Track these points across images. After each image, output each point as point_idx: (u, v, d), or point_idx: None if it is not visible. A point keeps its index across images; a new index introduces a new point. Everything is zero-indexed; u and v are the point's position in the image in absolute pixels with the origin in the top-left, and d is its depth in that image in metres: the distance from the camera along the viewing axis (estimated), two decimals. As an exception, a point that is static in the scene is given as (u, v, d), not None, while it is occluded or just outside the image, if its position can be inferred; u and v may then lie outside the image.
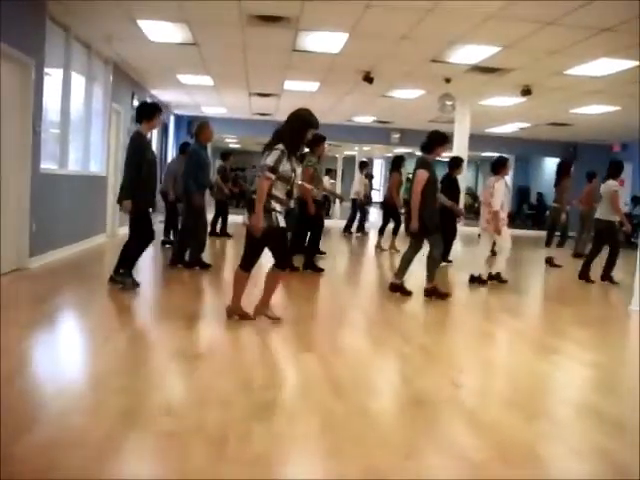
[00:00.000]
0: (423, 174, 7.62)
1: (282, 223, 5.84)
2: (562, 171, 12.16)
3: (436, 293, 7.95)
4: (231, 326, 6.04)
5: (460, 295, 8.61)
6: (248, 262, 6.08)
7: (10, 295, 6.89)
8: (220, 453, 3.18)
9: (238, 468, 3.07)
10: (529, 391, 4.69)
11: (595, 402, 4.50)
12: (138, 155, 7.20)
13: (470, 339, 6.33)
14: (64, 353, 5.12)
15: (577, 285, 10.03)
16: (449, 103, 12.61)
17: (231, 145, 32.35)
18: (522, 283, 10.20)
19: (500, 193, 8.92)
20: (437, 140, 7.82)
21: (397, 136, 21.19)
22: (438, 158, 7.93)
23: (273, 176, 5.72)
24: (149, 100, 16.39)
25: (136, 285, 7.39)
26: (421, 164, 7.77)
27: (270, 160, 5.72)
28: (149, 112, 7.42)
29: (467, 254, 12.11)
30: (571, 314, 7.89)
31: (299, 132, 5.91)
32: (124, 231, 13.80)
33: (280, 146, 5.79)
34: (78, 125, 10.78)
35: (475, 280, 9.26)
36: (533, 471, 3.27)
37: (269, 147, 5.86)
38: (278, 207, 5.81)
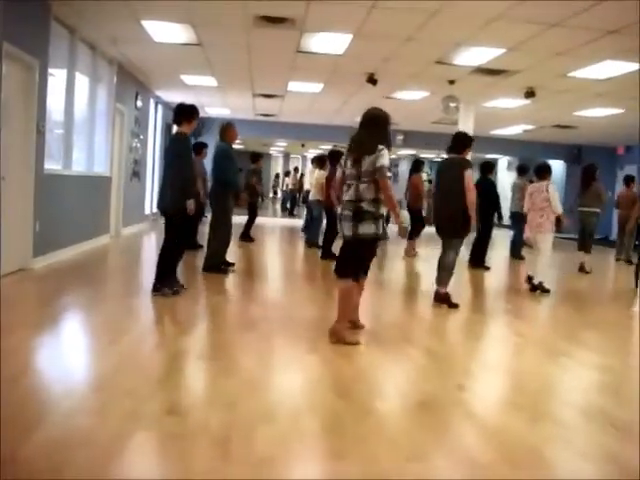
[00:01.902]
0: (471, 174, 7.57)
1: (381, 230, 5.79)
2: (589, 175, 12.09)
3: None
4: (235, 328, 6.04)
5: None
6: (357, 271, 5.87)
7: (14, 295, 6.90)
8: (224, 454, 3.18)
9: (242, 469, 3.06)
10: (535, 393, 4.68)
11: (602, 404, 4.49)
12: (188, 156, 7.22)
13: (478, 342, 6.32)
14: (69, 354, 5.12)
15: (589, 288, 10.01)
16: (453, 105, 12.62)
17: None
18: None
19: (557, 196, 9.09)
20: (469, 141, 7.92)
21: (401, 138, 21.16)
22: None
23: (391, 175, 5.72)
24: (152, 101, 16.43)
25: (177, 290, 7.20)
26: (468, 165, 7.62)
27: (386, 161, 5.63)
28: (189, 113, 7.35)
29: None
30: (578, 317, 7.87)
31: (387, 129, 5.98)
32: (128, 231, 13.87)
33: (383, 147, 5.71)
34: (82, 125, 10.79)
35: (537, 288, 9.17)
36: (539, 473, 3.26)
37: (366, 152, 5.70)
38: (382, 210, 5.76)
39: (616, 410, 4.34)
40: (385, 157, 5.66)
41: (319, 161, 14.22)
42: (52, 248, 9.07)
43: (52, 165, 9.20)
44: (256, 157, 14.67)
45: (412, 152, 25.68)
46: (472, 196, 7.43)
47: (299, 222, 17.52)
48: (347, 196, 5.74)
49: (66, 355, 5.08)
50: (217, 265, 9.05)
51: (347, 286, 5.76)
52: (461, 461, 3.32)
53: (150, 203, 17.12)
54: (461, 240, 7.75)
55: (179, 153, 7.18)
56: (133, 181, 14.50)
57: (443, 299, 7.67)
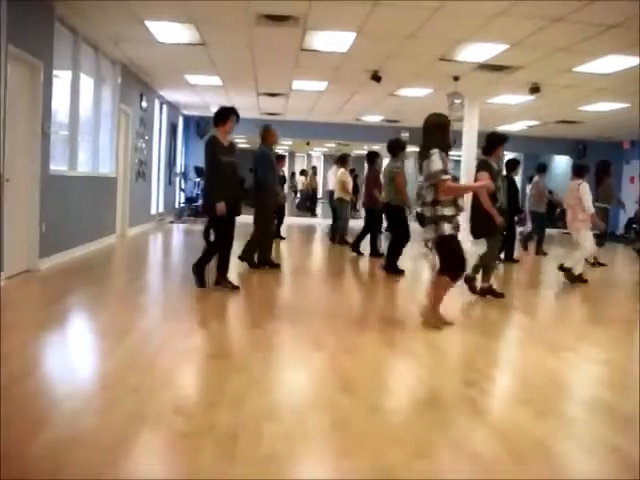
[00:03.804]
0: (484, 176, 7.67)
1: (449, 231, 5.99)
2: (604, 171, 12.13)
3: (491, 292, 8.03)
4: (242, 326, 6.05)
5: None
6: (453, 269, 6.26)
7: (21, 296, 6.93)
8: (231, 452, 3.19)
9: (249, 467, 3.07)
10: (540, 388, 4.67)
11: (606, 399, 4.48)
12: (211, 159, 7.41)
13: (482, 337, 6.30)
14: (76, 354, 5.14)
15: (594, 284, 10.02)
16: (458, 101, 12.58)
17: (241, 145, 32.36)
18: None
19: (589, 195, 9.41)
20: (497, 141, 7.99)
21: (406, 135, 21.11)
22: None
23: (449, 177, 5.98)
24: (157, 101, 16.45)
25: (234, 288, 7.64)
26: (483, 166, 7.86)
27: (439, 164, 5.95)
28: (222, 116, 7.53)
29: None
30: (583, 313, 7.86)
31: (446, 134, 6.24)
32: (134, 232, 13.90)
33: (435, 150, 6.02)
34: (87, 126, 10.81)
35: (576, 279, 9.59)
36: (545, 468, 3.26)
37: (423, 157, 6.11)
38: (447, 211, 5.99)
39: (622, 404, 4.34)
40: (435, 162, 5.97)
41: (341, 160, 14.31)
42: (58, 249, 9.09)
43: (57, 166, 9.23)
44: (279, 158, 14.72)
45: (417, 149, 25.62)
46: (485, 198, 7.63)
47: (319, 221, 17.65)
48: (421, 200, 6.23)
49: (73, 354, 5.09)
50: (267, 260, 9.55)
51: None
52: (468, 457, 3.31)
53: (156, 203, 17.16)
54: (494, 238, 8.01)
55: (205, 156, 7.51)
56: (139, 181, 14.53)
57: (487, 292, 8.00)
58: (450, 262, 6.18)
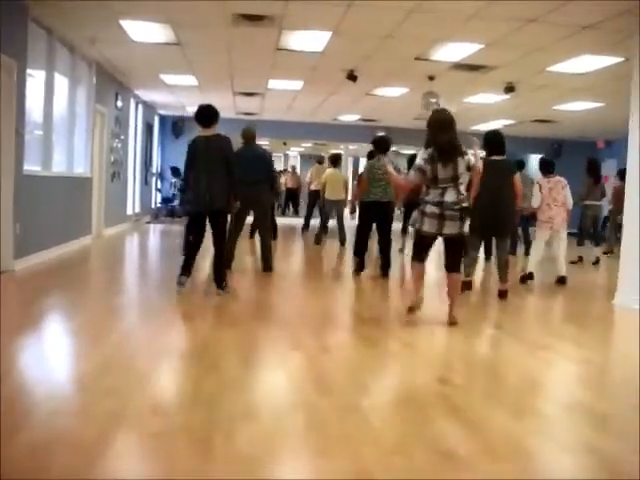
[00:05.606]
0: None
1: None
2: (599, 169, 12.19)
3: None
4: (218, 325, 6.04)
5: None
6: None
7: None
8: (208, 452, 3.18)
9: (225, 467, 3.07)
10: (517, 387, 4.71)
11: (583, 397, 4.53)
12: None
13: (458, 335, 6.33)
14: (52, 355, 5.10)
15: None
16: (433, 100, 12.61)
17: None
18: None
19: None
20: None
21: (383, 134, 21.12)
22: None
23: None
24: (133, 100, 16.34)
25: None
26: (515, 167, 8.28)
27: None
28: (218, 114, 7.51)
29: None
30: (559, 311, 7.92)
31: None
32: (110, 232, 13.81)
33: (464, 148, 6.24)
34: (62, 126, 10.72)
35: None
36: (521, 466, 3.28)
37: (460, 154, 6.14)
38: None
39: (600, 403, 4.38)
40: (473, 158, 6.18)
41: (335, 159, 14.22)
42: (33, 250, 9.01)
43: (31, 166, 9.14)
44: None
45: (393, 148, 25.70)
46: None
47: (300, 220, 17.37)
48: (448, 197, 6.08)
49: (49, 356, 5.05)
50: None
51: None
52: (444, 456, 3.32)
53: (132, 203, 17.06)
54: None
55: (232, 155, 7.42)
56: (114, 181, 14.44)
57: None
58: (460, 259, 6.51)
